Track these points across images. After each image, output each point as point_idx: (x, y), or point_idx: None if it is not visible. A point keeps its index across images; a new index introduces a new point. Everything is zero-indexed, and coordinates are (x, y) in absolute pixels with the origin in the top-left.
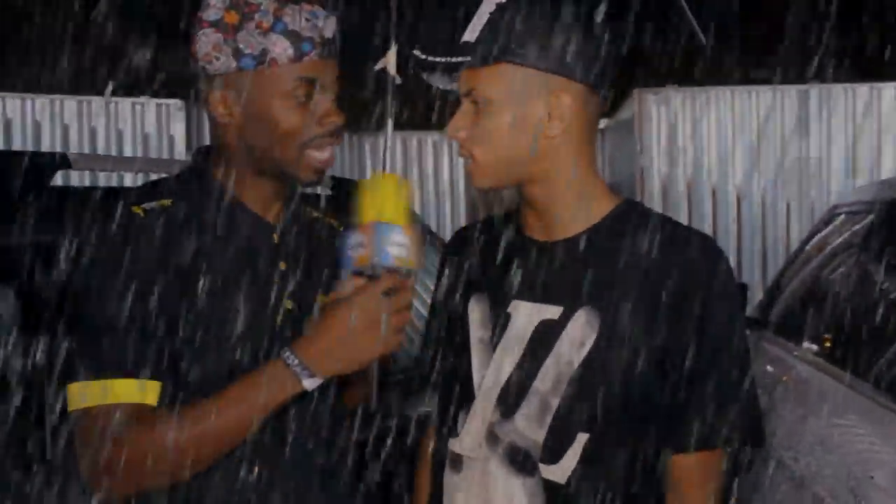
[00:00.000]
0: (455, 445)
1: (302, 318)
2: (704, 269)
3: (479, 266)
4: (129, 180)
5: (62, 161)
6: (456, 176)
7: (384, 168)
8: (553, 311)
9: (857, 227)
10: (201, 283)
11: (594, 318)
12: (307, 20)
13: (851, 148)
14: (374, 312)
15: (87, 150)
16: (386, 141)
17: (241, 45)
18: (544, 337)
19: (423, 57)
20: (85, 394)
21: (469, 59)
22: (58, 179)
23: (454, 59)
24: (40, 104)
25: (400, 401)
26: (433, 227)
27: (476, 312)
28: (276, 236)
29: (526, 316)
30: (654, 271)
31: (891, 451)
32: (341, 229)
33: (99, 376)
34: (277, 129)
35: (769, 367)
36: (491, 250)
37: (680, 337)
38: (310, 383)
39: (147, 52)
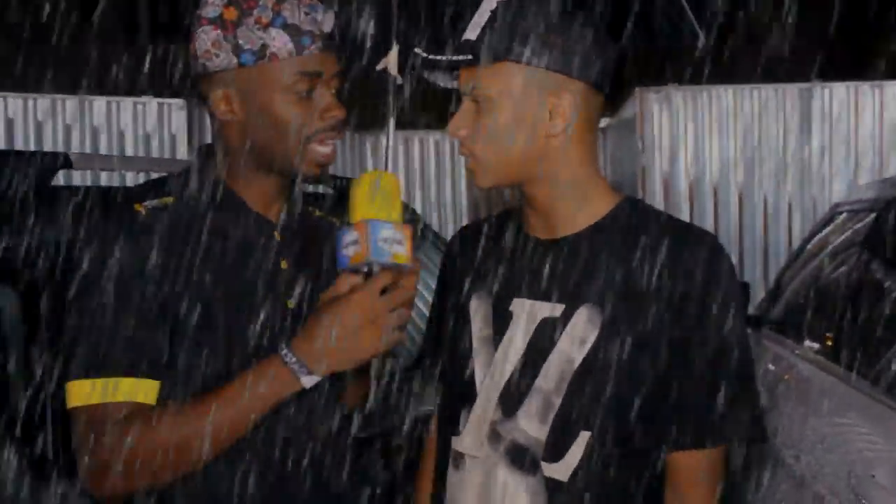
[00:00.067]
0: (457, 444)
1: (304, 316)
2: (706, 265)
3: (480, 264)
4: (131, 180)
5: (63, 161)
6: (457, 175)
7: (386, 168)
8: (555, 309)
9: (859, 225)
10: (202, 281)
11: (596, 315)
12: (306, 14)
13: (853, 146)
14: (370, 310)
15: (88, 150)
16: (388, 140)
17: (240, 41)
18: (546, 335)
19: (425, 55)
20: (84, 392)
21: (470, 57)
22: (59, 179)
23: (455, 58)
24: (42, 104)
25: (401, 400)
26: (435, 227)
27: (478, 311)
28: (277, 235)
29: (528, 314)
30: (655, 268)
31: (892, 450)
32: (337, 228)
33: (98, 375)
34: (279, 124)
35: (770, 366)
36: (493, 249)
37: (681, 334)
38: (307, 381)
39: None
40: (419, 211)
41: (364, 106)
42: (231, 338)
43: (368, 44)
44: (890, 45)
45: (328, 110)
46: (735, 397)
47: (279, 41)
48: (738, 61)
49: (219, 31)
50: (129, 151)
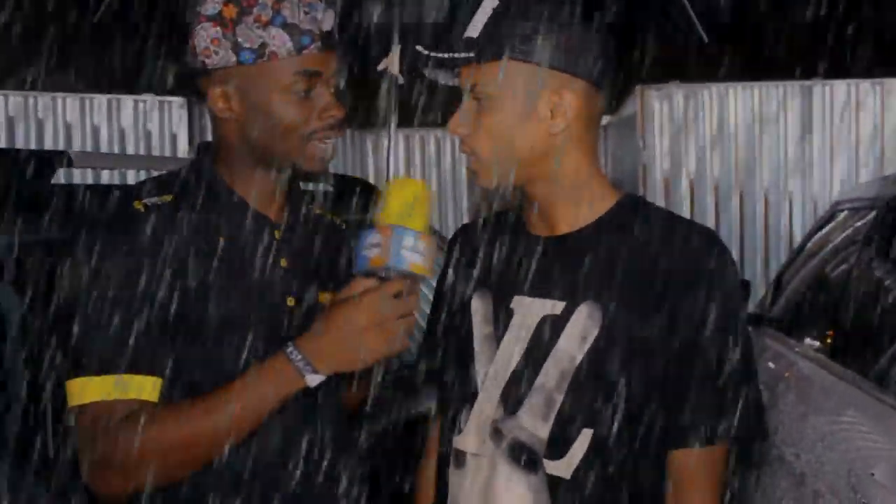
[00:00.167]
0: (458, 442)
1: (303, 315)
2: (707, 263)
3: (481, 262)
4: (132, 178)
5: (64, 159)
6: (458, 174)
7: (387, 167)
8: (556, 307)
9: (860, 223)
10: (201, 279)
11: (597, 312)
12: (306, 13)
13: (854, 144)
14: (381, 314)
15: (89, 148)
16: (389, 139)
17: (240, 39)
18: (547, 332)
19: (426, 53)
20: (85, 390)
21: (471, 55)
22: (60, 177)
23: (456, 56)
24: (43, 102)
25: (402, 398)
26: (435, 225)
27: (479, 309)
28: (277, 233)
29: (529, 311)
30: (656, 265)
31: (892, 448)
32: (362, 227)
33: (100, 372)
34: (278, 123)
35: (771, 364)
36: (493, 246)
37: (682, 331)
38: (312, 379)
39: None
40: None
41: (365, 104)
42: (230, 336)
43: (370, 43)
44: (892, 42)
45: (327, 109)
46: (737, 395)
47: (279, 40)
48: (739, 59)
49: (218, 29)
50: (130, 149)
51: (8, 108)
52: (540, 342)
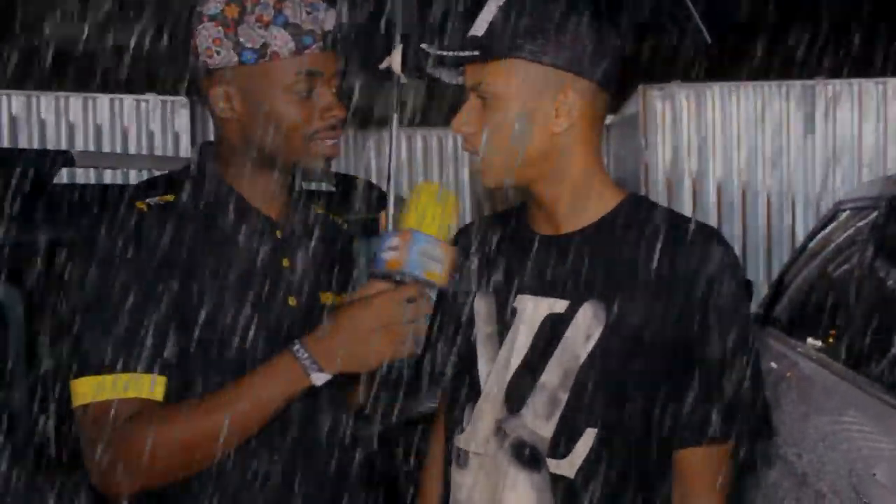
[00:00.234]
0: (461, 441)
1: (305, 315)
2: (711, 261)
3: (485, 261)
4: (134, 178)
5: (66, 159)
6: (461, 174)
7: (389, 167)
8: (559, 305)
9: (862, 223)
10: (203, 279)
11: (601, 311)
12: (308, 13)
13: (857, 144)
14: (390, 317)
15: (92, 148)
16: (391, 139)
17: (241, 39)
18: (551, 331)
19: (432, 51)
20: (90, 389)
21: (477, 53)
22: (63, 177)
23: (462, 54)
24: (45, 101)
25: (404, 399)
26: None
27: (482, 308)
28: (279, 233)
29: (532, 310)
30: (660, 264)
31: (893, 448)
32: (382, 230)
33: (104, 371)
34: (279, 123)
35: (773, 364)
36: (497, 246)
37: (686, 329)
38: (317, 378)
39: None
40: None
41: (368, 104)
42: (231, 335)
43: (372, 42)
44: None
45: (328, 110)
46: (742, 393)
47: (280, 40)
48: (741, 58)
49: (220, 29)
50: (133, 149)
51: (11, 108)
52: (543, 341)
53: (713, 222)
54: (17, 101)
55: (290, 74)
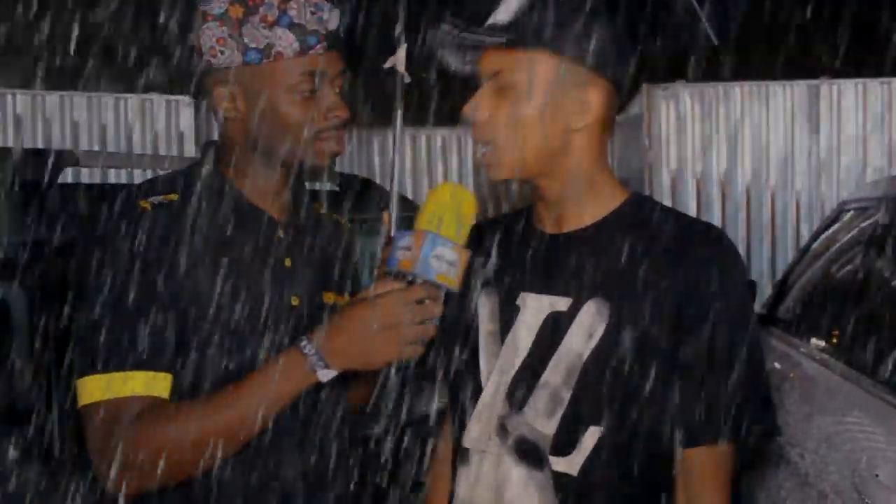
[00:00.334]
0: (463, 439)
1: (307, 314)
2: (715, 258)
3: (488, 260)
4: (139, 177)
5: (70, 158)
6: (465, 173)
7: (392, 166)
8: (562, 303)
9: (866, 223)
10: (206, 278)
11: (603, 309)
12: (312, 13)
13: (861, 144)
14: (398, 318)
15: (97, 147)
16: (395, 139)
17: (246, 39)
18: (553, 329)
19: (456, 31)
20: (96, 388)
21: (503, 40)
22: (67, 176)
23: (489, 39)
24: (50, 101)
25: (409, 398)
26: None
27: (486, 306)
28: (282, 232)
29: (535, 308)
30: (663, 261)
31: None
32: (384, 230)
33: (110, 370)
34: (283, 123)
35: (777, 364)
36: (500, 244)
37: (689, 327)
38: (324, 374)
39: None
40: None
41: (372, 103)
42: (233, 334)
43: (375, 42)
44: None
45: (332, 110)
46: (746, 391)
47: (285, 40)
48: (745, 58)
49: (224, 28)
50: (137, 148)
51: (16, 107)
52: (546, 339)
53: (717, 222)
54: (21, 99)
55: (294, 75)
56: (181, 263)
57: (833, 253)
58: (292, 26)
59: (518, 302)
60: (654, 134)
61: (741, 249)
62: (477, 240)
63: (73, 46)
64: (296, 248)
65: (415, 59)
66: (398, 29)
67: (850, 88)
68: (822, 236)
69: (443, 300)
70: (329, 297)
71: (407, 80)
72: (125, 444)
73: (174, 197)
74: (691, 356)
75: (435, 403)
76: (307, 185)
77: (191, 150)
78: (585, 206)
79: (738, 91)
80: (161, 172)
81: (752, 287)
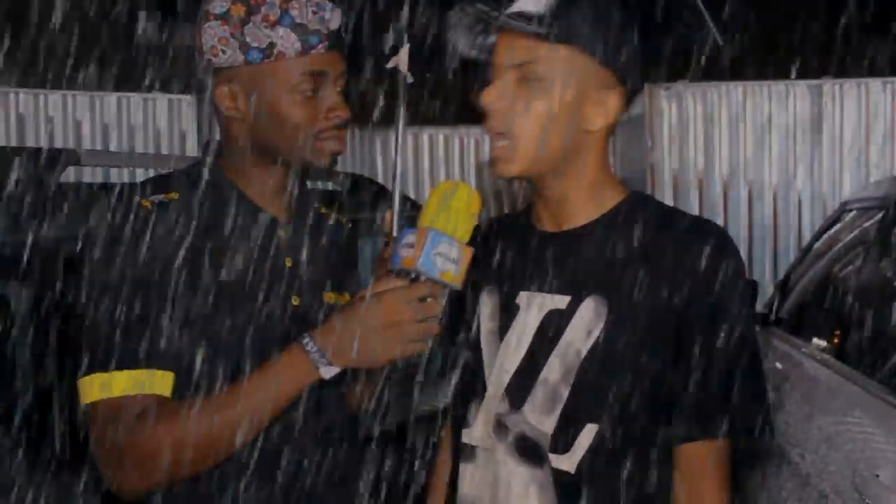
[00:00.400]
0: (467, 437)
1: (307, 314)
2: (714, 255)
3: (489, 259)
4: (141, 176)
5: (71, 157)
6: (467, 172)
7: (395, 166)
8: (560, 301)
9: (868, 223)
10: (206, 277)
11: (602, 306)
12: (314, 13)
13: (864, 144)
14: (396, 314)
15: (98, 146)
16: (397, 139)
17: (248, 39)
18: (552, 327)
19: (496, 13)
20: (98, 387)
21: (541, 30)
22: (70, 175)
23: (528, 27)
24: (53, 99)
25: (410, 395)
26: None
27: (486, 305)
28: (282, 232)
29: (534, 306)
30: (661, 259)
31: None
32: (386, 229)
33: (112, 368)
34: (284, 122)
35: (778, 364)
36: (501, 243)
37: (688, 325)
38: (327, 371)
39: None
40: None
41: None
42: (233, 334)
43: (378, 41)
44: None
45: (333, 109)
46: (744, 389)
47: (287, 40)
48: (748, 58)
49: (226, 28)
50: (140, 147)
51: (18, 106)
52: (545, 337)
53: (719, 222)
54: (24, 98)
55: (295, 74)
56: (181, 262)
57: (835, 253)
58: (294, 26)
59: (518, 301)
60: (657, 134)
61: (743, 249)
62: (475, 239)
63: (74, 46)
64: (296, 248)
65: (423, 52)
66: (401, 29)
67: (852, 88)
68: (824, 236)
69: (445, 298)
70: (329, 297)
71: (409, 80)
72: (129, 442)
73: (175, 196)
74: (688, 353)
75: (438, 402)
76: (309, 184)
77: (193, 150)
78: (585, 205)
79: (741, 91)
80: (162, 172)
81: (753, 287)
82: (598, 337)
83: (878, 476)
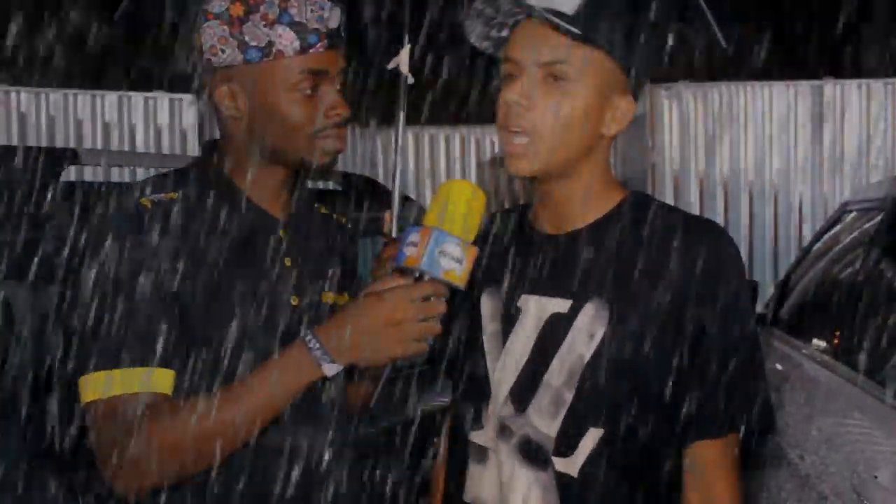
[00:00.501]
0: (479, 438)
1: (306, 314)
2: (714, 255)
3: (490, 261)
4: (142, 176)
5: (72, 156)
6: (468, 172)
7: (395, 166)
8: (562, 305)
9: (868, 224)
10: (205, 277)
11: (603, 309)
12: (313, 11)
13: (865, 144)
14: (399, 312)
15: (100, 145)
16: (397, 139)
17: (246, 38)
18: (554, 331)
19: (535, 5)
20: (99, 385)
21: (577, 30)
22: (71, 174)
23: (566, 26)
24: (54, 98)
25: (408, 396)
26: None
27: (488, 307)
28: (281, 231)
29: (536, 310)
30: (662, 260)
31: (895, 451)
32: (385, 229)
33: (113, 366)
34: (283, 121)
35: (778, 365)
36: (502, 245)
37: (691, 325)
38: (329, 369)
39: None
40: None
41: (375, 102)
42: (232, 333)
43: (380, 42)
44: None
45: (333, 108)
46: (747, 388)
47: (285, 39)
48: (749, 58)
49: (225, 27)
50: (141, 146)
51: (20, 105)
52: (547, 340)
53: (720, 222)
54: (25, 97)
55: (294, 73)
56: (181, 261)
57: (836, 254)
58: (293, 24)
59: (519, 304)
60: (658, 134)
61: (743, 249)
62: (476, 240)
63: (76, 45)
64: (296, 248)
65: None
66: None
67: (853, 89)
68: (825, 237)
69: (448, 297)
70: (328, 297)
71: (410, 80)
72: (131, 440)
73: (174, 195)
74: (692, 353)
75: (438, 403)
76: (309, 184)
77: (194, 149)
78: (586, 206)
79: (741, 91)
80: (163, 171)
81: (753, 287)
82: (601, 341)
83: (876, 477)
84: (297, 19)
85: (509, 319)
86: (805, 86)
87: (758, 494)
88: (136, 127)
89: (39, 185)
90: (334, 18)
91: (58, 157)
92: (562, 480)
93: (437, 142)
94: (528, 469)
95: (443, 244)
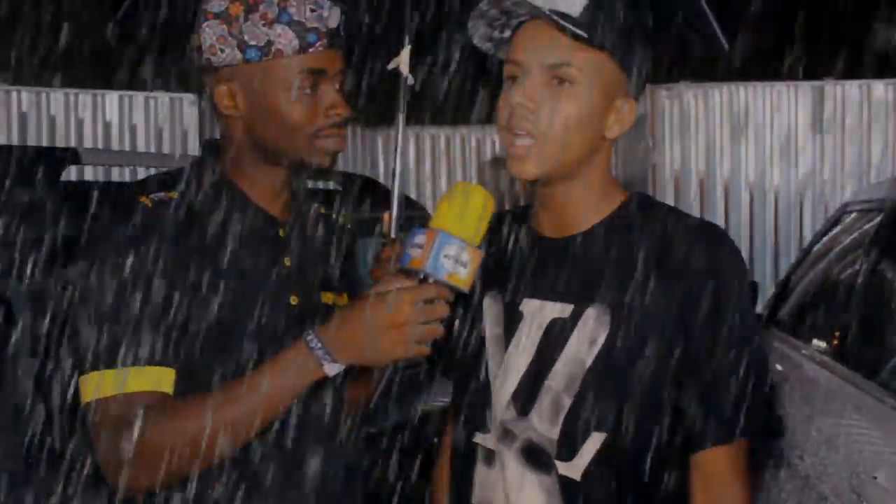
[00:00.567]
0: (488, 441)
1: (305, 314)
2: (716, 258)
3: (492, 264)
4: (142, 175)
5: (72, 156)
6: (468, 172)
7: (395, 164)
8: (563, 310)
9: (868, 225)
10: (205, 276)
11: (605, 315)
12: (312, 11)
13: (865, 145)
14: (405, 316)
15: (100, 145)
16: (397, 139)
17: (246, 37)
18: (556, 335)
19: (542, 8)
20: (100, 384)
21: (584, 34)
22: (71, 174)
23: (574, 29)
24: (55, 98)
25: (407, 396)
26: None
27: (490, 310)
28: (281, 231)
29: (537, 314)
30: (663, 263)
31: (895, 452)
32: (384, 230)
33: (113, 365)
34: (284, 121)
35: (778, 366)
36: (503, 248)
37: (693, 330)
38: (331, 368)
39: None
40: (429, 209)
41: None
42: (231, 332)
43: (381, 42)
44: None
45: (333, 107)
46: (752, 391)
47: (284, 38)
48: (750, 58)
49: (224, 27)
50: (142, 146)
51: (21, 104)
52: (549, 345)
53: (720, 223)
54: (26, 96)
55: (293, 72)
56: (180, 260)
57: (835, 254)
58: (292, 24)
59: (521, 308)
60: (658, 134)
61: (744, 250)
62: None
63: (77, 44)
64: (296, 248)
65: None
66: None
67: (854, 89)
68: (825, 238)
69: (451, 300)
70: (328, 297)
71: (410, 81)
72: (132, 440)
73: (174, 194)
74: (697, 357)
75: (439, 402)
76: (309, 184)
77: (194, 148)
78: (587, 209)
79: (742, 91)
80: (163, 170)
81: (754, 288)
82: (602, 346)
83: (875, 478)
84: (296, 18)
85: (511, 323)
86: (806, 86)
87: (758, 495)
88: (137, 126)
89: (39, 184)
90: (333, 18)
91: (58, 157)
92: (565, 484)
93: (438, 142)
94: (531, 473)
95: (448, 247)
